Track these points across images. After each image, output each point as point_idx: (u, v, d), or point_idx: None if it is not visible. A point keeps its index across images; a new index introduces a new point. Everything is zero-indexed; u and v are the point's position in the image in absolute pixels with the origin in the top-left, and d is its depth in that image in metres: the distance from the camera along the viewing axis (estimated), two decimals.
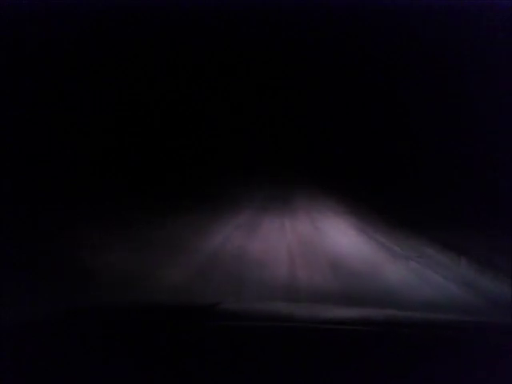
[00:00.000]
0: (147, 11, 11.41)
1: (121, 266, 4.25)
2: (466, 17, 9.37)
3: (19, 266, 3.86)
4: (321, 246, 6.01)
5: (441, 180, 10.90)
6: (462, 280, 4.54)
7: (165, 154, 13.45)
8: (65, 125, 9.32)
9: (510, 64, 8.54)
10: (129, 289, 3.50)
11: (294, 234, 6.84)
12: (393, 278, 4.45)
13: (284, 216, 8.84)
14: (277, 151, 22.94)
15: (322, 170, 19.75)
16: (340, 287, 3.99)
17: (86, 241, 5.19)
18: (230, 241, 5.96)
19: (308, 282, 4.11)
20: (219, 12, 13.49)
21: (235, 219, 8.01)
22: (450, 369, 1.10)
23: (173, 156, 13.78)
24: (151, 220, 7.10)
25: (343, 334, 1.35)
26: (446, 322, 1.68)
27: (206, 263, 4.69)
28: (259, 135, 22.58)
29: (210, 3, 12.43)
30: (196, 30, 15.20)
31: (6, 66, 7.50)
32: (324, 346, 1.23)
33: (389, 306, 3.39)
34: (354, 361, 1.16)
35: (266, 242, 6.03)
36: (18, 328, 1.30)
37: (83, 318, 1.44)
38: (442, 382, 1.05)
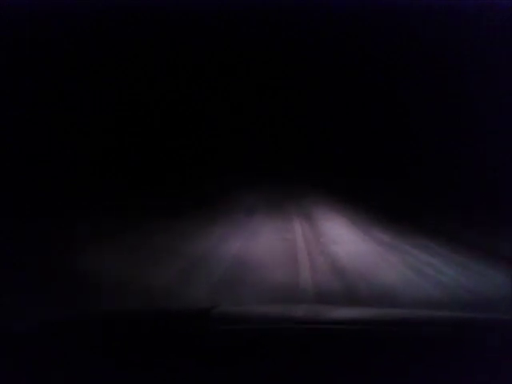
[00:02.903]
0: (147, 11, 11.40)
1: (117, 271, 4.23)
2: (465, 17, 9.37)
3: (19, 267, 3.86)
4: (321, 247, 6.00)
5: (441, 176, 10.91)
6: (464, 276, 4.53)
7: (164, 155, 13.44)
8: (65, 125, 9.31)
9: (510, 64, 8.54)
10: (127, 293, 3.48)
11: (293, 235, 6.84)
12: (394, 276, 4.44)
13: (283, 216, 8.85)
14: (276, 151, 22.93)
15: (322, 168, 19.76)
16: (340, 287, 3.98)
17: (85, 244, 5.18)
18: (228, 244, 5.94)
19: (308, 282, 4.10)
20: (219, 12, 13.49)
21: (235, 221, 8.00)
22: (452, 367, 1.09)
23: (172, 156, 13.77)
24: (150, 222, 7.09)
25: (344, 333, 1.34)
26: (448, 319, 1.67)
27: (206, 266, 4.67)
28: (259, 135, 22.57)
29: (209, 3, 12.42)
30: (196, 30, 15.19)
31: (6, 66, 7.49)
32: (325, 346, 1.23)
33: (390, 304, 3.38)
34: (355, 360, 1.16)
35: (265, 244, 6.01)
36: (18, 328, 1.30)
37: (82, 321, 1.44)
38: (444, 380, 1.05)
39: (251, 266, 4.61)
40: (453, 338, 1.31)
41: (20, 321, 1.40)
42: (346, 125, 20.59)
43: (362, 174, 15.65)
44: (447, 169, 11.11)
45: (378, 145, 16.79)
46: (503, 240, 5.43)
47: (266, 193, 12.97)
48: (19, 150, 7.59)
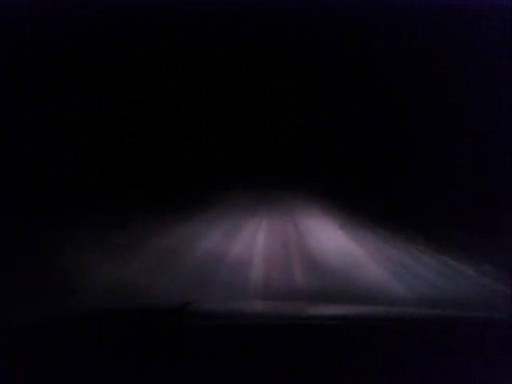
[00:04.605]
0: (147, 11, 11.40)
1: (106, 271, 4.25)
2: (465, 17, 9.36)
3: (19, 267, 3.87)
4: (303, 245, 6.01)
5: (440, 176, 10.91)
6: (447, 274, 4.53)
7: (164, 155, 13.45)
8: (65, 125, 9.31)
9: (510, 64, 8.53)
10: (113, 293, 3.51)
11: (275, 234, 6.86)
12: (376, 274, 4.45)
13: (267, 216, 8.89)
14: (276, 151, 22.95)
15: (321, 168, 19.79)
16: (322, 285, 3.99)
17: (83, 245, 5.20)
18: (210, 243, 5.96)
19: (289, 281, 4.11)
20: (219, 12, 13.48)
21: (220, 221, 8.03)
22: (433, 363, 1.09)
23: (171, 156, 13.79)
24: (133, 223, 7.13)
25: (322, 329, 1.35)
26: (430, 316, 1.67)
27: (190, 266, 4.69)
28: (258, 134, 22.58)
29: (210, 3, 12.41)
30: (196, 30, 15.19)
31: (6, 66, 7.49)
32: (302, 341, 1.24)
33: (372, 302, 3.37)
34: (334, 355, 1.16)
35: (247, 243, 6.04)
36: (18, 328, 1.30)
37: (78, 320, 1.44)
38: (431, 375, 1.05)
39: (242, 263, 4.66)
40: (438, 335, 1.31)
41: (19, 320, 1.40)
42: (345, 125, 20.58)
43: (362, 173, 15.67)
44: (447, 169, 11.10)
45: (378, 144, 16.78)
46: (503, 243, 5.42)
47: (264, 192, 12.98)
48: (19, 149, 7.59)
